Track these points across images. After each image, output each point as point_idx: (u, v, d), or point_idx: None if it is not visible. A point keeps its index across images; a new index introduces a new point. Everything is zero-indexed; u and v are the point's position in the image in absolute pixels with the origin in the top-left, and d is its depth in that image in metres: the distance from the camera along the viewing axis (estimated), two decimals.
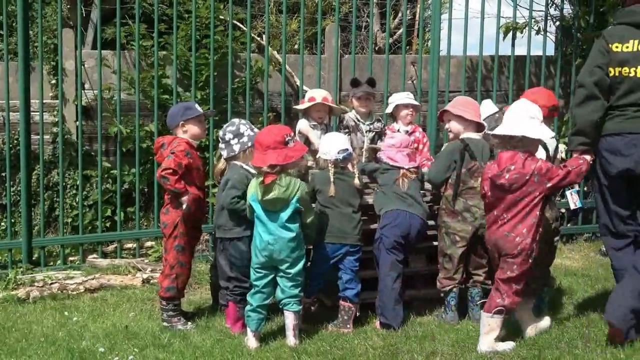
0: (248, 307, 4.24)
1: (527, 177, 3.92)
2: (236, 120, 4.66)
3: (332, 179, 4.51)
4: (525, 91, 4.81)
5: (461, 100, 4.83)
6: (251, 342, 4.21)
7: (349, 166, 4.66)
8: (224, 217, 4.50)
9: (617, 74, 4.16)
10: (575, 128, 4.21)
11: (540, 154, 4.39)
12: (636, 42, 4.12)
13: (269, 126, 4.38)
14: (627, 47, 4.14)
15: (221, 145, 4.59)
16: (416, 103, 5.71)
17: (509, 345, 4.04)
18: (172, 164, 4.45)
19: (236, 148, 4.52)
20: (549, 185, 3.95)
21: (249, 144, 4.50)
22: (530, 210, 3.95)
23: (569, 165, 4.03)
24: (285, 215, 4.17)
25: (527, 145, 3.99)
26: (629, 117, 4.15)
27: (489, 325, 4.00)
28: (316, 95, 5.29)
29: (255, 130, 4.61)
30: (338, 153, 4.54)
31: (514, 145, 4.00)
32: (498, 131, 4.04)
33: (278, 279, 4.28)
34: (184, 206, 4.55)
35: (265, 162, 4.11)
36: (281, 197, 4.14)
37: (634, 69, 4.12)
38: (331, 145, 4.57)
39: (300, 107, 5.35)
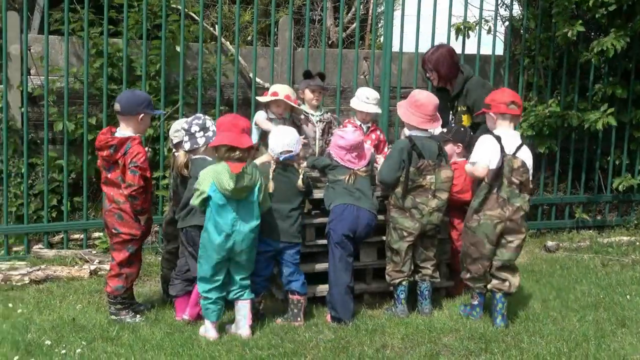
0: (206, 301, 4.22)
1: None
2: (201, 115, 4.69)
3: (271, 175, 4.49)
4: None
5: (404, 104, 4.82)
6: (212, 332, 4.22)
7: (295, 164, 4.64)
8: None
9: None
10: None
11: (494, 146, 4.51)
12: None
13: (234, 114, 4.45)
14: None
15: (184, 137, 4.55)
16: (373, 111, 5.57)
17: None
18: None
19: (201, 141, 4.51)
20: None
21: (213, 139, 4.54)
22: None
23: None
24: (254, 203, 4.21)
25: None
26: None
27: None
28: (279, 90, 5.25)
29: None
30: (280, 153, 4.50)
31: None
32: None
33: (232, 270, 4.28)
34: (143, 221, 4.50)
35: (243, 143, 4.16)
36: (248, 185, 4.17)
37: None
38: (277, 142, 4.51)
39: (262, 99, 5.31)
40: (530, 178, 4.60)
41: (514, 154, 4.51)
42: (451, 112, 5.56)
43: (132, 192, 4.35)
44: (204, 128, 4.54)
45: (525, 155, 4.56)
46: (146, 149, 4.66)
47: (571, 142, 7.28)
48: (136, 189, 4.35)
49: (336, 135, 4.87)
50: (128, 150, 4.39)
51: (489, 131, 4.60)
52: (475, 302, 4.65)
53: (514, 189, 4.50)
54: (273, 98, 5.20)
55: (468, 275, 4.65)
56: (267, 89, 5.59)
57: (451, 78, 5.51)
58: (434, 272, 4.78)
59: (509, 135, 4.55)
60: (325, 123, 5.58)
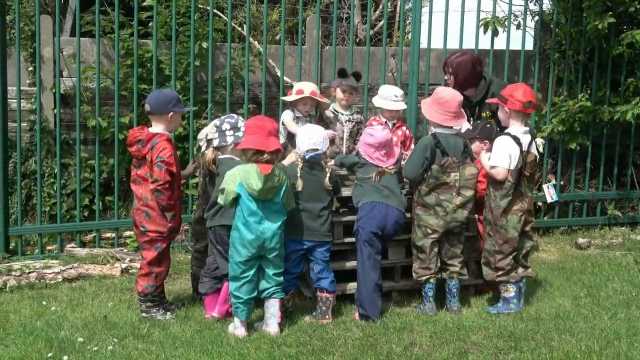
0: (236, 300, 4.25)
1: None
2: (234, 114, 4.74)
3: (298, 174, 4.52)
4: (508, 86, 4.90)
5: (428, 101, 4.81)
6: (241, 330, 4.25)
7: (322, 162, 4.65)
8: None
9: None
10: None
11: (514, 148, 4.53)
12: None
13: (261, 116, 4.53)
14: None
15: (215, 134, 4.60)
16: (403, 107, 5.57)
17: None
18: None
19: (229, 139, 4.55)
20: None
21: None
22: None
23: None
24: (279, 201, 4.25)
25: None
26: None
27: None
28: (304, 88, 5.28)
29: None
30: (307, 152, 4.52)
31: None
32: None
33: (265, 268, 4.31)
34: (169, 218, 4.54)
35: (270, 146, 4.21)
36: (275, 186, 4.22)
37: None
38: (304, 141, 4.54)
39: (288, 99, 5.35)
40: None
41: (528, 149, 4.67)
42: (472, 118, 5.49)
43: (158, 186, 4.40)
44: (234, 127, 4.57)
45: (534, 149, 4.76)
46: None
47: (603, 137, 7.17)
48: (162, 184, 4.40)
49: (365, 133, 4.87)
50: (155, 145, 4.44)
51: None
52: (512, 294, 4.67)
53: (526, 182, 4.70)
54: (299, 96, 5.22)
55: (501, 272, 4.66)
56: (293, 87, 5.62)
57: (467, 87, 5.43)
58: (461, 269, 4.76)
59: (522, 131, 4.68)
60: (354, 123, 5.58)
